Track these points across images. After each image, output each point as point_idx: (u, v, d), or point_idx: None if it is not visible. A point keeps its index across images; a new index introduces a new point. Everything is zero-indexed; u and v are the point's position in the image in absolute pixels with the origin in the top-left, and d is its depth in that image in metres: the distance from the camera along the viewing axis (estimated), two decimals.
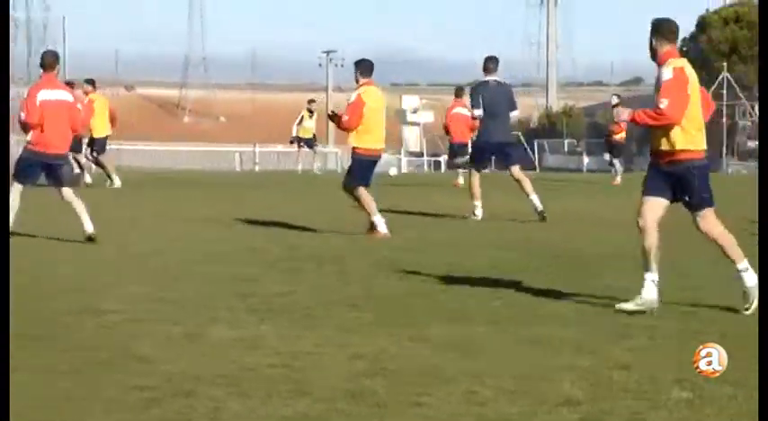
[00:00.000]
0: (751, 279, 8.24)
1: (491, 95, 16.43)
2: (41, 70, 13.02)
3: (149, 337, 7.04)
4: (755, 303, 8.16)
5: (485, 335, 7.32)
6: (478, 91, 16.63)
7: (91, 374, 6.07)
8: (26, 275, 9.43)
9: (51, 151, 12.69)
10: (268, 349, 6.78)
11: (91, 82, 24.13)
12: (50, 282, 9.43)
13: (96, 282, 9.43)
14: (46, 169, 12.80)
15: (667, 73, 8.22)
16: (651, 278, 8.18)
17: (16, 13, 54.70)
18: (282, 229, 14.27)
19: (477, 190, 16.49)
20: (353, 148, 14.25)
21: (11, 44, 54.87)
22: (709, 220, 8.33)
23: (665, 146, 8.28)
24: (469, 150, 20.52)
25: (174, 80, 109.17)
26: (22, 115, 12.73)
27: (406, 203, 18.09)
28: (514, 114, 16.97)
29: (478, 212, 16.46)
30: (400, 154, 64.56)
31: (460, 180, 24.26)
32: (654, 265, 8.22)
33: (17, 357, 6.11)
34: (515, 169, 16.54)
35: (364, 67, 14.16)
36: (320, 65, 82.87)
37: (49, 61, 12.99)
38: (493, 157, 17.50)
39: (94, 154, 23.39)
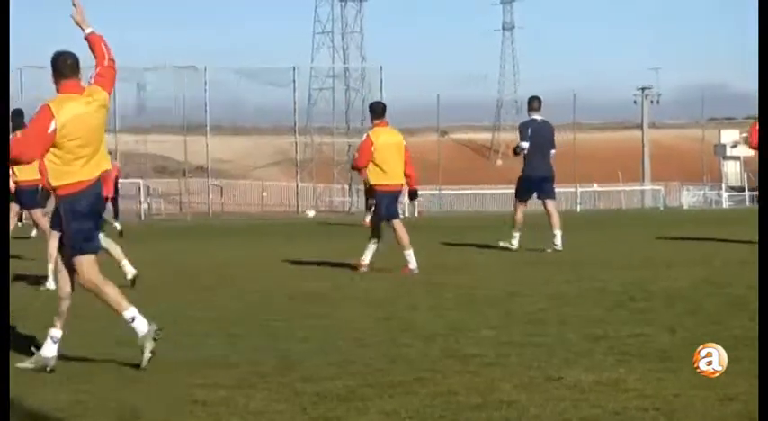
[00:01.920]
0: None
1: (537, 132, 18.17)
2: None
3: (511, 380, 7.08)
4: None
5: None
6: (527, 126, 18.33)
7: (463, 418, 6.16)
8: (395, 320, 9.70)
9: None
10: (632, 392, 6.70)
11: None
12: (411, 325, 9.68)
13: (450, 326, 9.63)
14: None
15: None
16: None
17: (334, 64, 56.56)
18: (626, 269, 14.22)
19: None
20: (373, 186, 15.30)
21: (331, 93, 56.74)
22: None
23: None
24: None
25: (484, 124, 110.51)
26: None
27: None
28: (553, 153, 18.57)
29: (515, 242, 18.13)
30: (720, 189, 62.88)
31: None
32: None
33: (382, 403, 6.26)
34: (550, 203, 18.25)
35: (374, 110, 15.47)
36: (635, 102, 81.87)
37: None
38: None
39: None
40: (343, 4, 78.89)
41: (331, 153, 58.53)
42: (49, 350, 7.89)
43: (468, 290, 12.49)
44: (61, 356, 8.05)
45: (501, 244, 18.35)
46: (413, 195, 15.85)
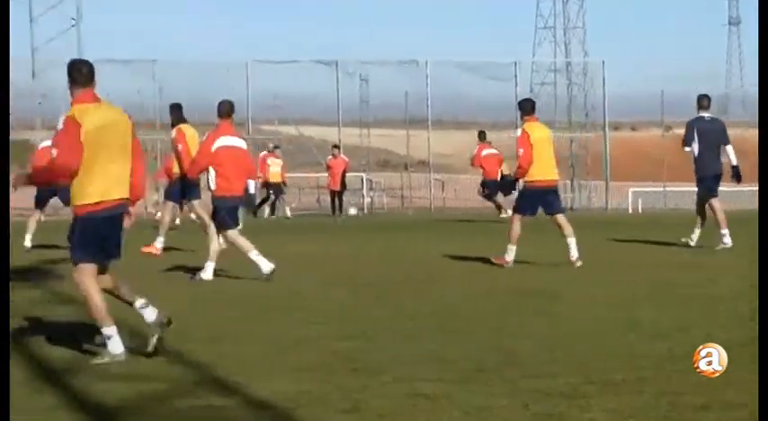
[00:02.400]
0: None
1: (705, 130, 17.96)
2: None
3: (739, 383, 6.91)
4: None
5: None
6: (692, 126, 18.10)
7: (689, 419, 6.07)
8: (619, 317, 9.60)
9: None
10: None
11: None
12: (636, 323, 9.58)
13: (677, 324, 9.48)
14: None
15: None
16: None
17: (556, 58, 56.12)
18: None
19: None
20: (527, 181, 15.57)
21: (553, 88, 56.18)
22: None
23: None
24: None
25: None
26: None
27: None
28: (729, 148, 18.24)
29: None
30: None
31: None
32: None
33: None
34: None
35: (524, 107, 15.69)
36: None
37: None
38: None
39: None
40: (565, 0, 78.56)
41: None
42: None
43: (694, 288, 12.25)
44: (288, 349, 8.29)
45: (688, 242, 18.03)
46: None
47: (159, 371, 7.64)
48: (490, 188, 31.69)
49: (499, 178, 30.85)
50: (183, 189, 17.87)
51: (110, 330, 8.08)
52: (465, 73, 55.12)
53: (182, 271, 15.20)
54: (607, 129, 50.77)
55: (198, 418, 6.33)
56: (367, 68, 53.39)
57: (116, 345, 8.03)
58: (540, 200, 15.63)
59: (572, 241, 15.45)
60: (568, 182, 55.89)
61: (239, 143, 14.23)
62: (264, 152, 37.76)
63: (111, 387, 7.12)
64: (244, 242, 13.99)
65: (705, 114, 18.16)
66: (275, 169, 36.59)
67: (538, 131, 15.65)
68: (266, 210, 36.64)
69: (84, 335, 8.86)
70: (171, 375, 7.49)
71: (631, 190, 47.95)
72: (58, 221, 22.20)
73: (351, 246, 19.29)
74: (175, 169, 18.14)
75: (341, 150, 39.72)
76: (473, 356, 8.00)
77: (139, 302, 8.35)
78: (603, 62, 50.95)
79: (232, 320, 10.30)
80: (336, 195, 37.89)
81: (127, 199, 8.26)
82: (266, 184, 36.17)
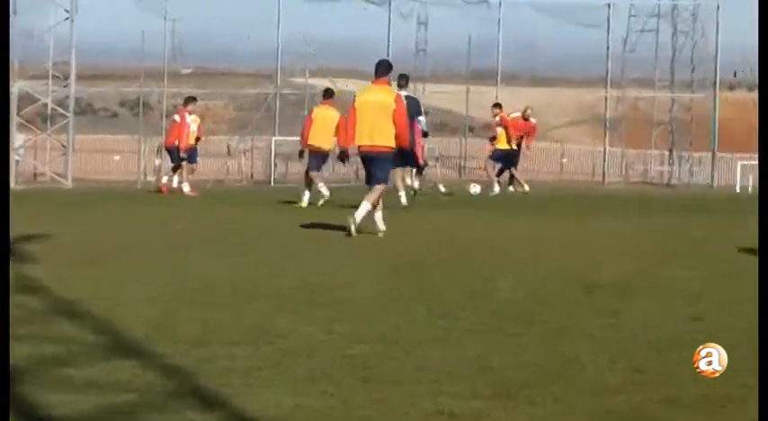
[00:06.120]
0: None
1: None
2: None
3: None
4: None
5: None
6: None
7: None
8: (706, 322, 9.46)
9: None
10: None
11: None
12: (726, 330, 9.43)
13: None
14: None
15: None
16: None
17: (660, 0, 55.65)
18: None
19: None
20: None
21: (654, 36, 55.69)
22: None
23: None
24: None
25: None
26: None
27: None
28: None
29: None
30: None
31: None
32: None
33: None
34: None
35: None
36: None
37: None
38: None
39: None
40: None
41: (650, 110, 57.70)
42: None
43: None
44: (290, 353, 8.22)
45: None
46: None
47: (130, 379, 7.56)
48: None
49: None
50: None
51: None
52: (545, 16, 54.71)
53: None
54: (717, 88, 50.22)
55: None
56: (426, 9, 53.11)
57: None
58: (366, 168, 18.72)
59: (364, 207, 18.07)
60: (666, 153, 55.47)
61: None
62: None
63: (67, 399, 7.02)
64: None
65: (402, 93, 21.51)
66: None
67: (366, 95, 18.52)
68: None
69: (45, 332, 8.82)
70: (142, 384, 7.41)
71: (740, 163, 47.45)
72: None
73: (396, 226, 19.21)
74: None
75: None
76: (519, 365, 7.89)
77: None
78: (718, 6, 50.54)
79: (227, 314, 10.21)
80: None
81: None
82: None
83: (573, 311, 10.52)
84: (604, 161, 53.13)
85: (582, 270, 13.75)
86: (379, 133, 18.23)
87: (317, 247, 16.70)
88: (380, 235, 18.16)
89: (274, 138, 47.85)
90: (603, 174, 52.75)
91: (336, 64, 51.95)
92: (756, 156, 52.91)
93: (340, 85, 51.42)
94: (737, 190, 44.53)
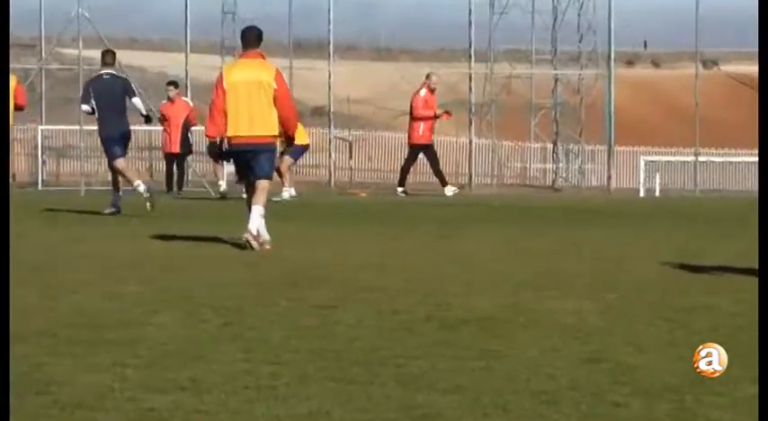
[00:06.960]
0: None
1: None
2: None
3: None
4: None
5: None
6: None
7: None
8: (606, 363, 9.67)
9: None
10: None
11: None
12: (629, 372, 9.64)
13: (691, 376, 9.56)
14: None
15: None
16: None
17: None
18: None
19: None
20: None
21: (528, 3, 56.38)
22: None
23: None
24: None
25: None
26: None
27: None
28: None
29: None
30: None
31: None
32: None
33: None
34: None
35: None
36: None
37: None
38: None
39: None
40: None
41: (527, 92, 58.29)
42: None
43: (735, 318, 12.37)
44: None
45: None
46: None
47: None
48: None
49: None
50: None
51: None
52: None
53: None
54: (613, 63, 50.61)
55: None
56: None
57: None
58: (243, 164, 19.58)
59: (257, 212, 19.09)
60: (549, 146, 55.94)
61: None
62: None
63: None
64: None
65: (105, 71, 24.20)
66: None
67: (237, 73, 19.22)
68: None
69: None
70: None
71: (644, 159, 47.97)
72: None
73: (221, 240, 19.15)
74: None
75: (179, 88, 39.96)
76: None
77: None
78: None
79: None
80: (174, 162, 38.07)
81: None
82: None
83: (433, 352, 10.64)
84: (470, 157, 52.72)
85: (430, 301, 13.87)
86: (259, 120, 18.76)
87: (102, 268, 16.62)
88: (267, 246, 19.30)
89: (41, 128, 47.46)
90: (470, 174, 52.63)
91: (119, 32, 51.78)
92: (664, 150, 53.77)
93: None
94: (641, 194, 45.03)
